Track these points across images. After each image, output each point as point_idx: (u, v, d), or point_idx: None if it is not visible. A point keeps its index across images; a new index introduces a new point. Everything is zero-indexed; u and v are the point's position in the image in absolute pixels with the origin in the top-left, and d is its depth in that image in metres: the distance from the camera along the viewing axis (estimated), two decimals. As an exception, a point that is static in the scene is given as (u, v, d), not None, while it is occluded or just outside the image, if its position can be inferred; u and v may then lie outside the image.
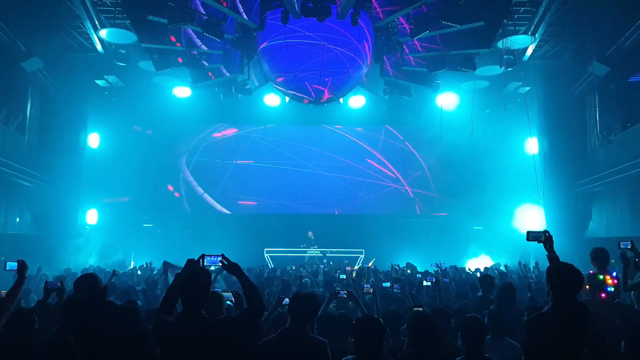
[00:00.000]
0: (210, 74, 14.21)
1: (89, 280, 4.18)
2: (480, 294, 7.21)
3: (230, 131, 21.35)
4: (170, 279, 7.35)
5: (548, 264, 4.38)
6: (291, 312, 4.17)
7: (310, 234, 19.08)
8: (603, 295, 6.12)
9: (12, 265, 4.81)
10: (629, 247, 6.42)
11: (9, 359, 4.22)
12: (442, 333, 4.27)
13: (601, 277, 6.23)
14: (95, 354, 3.89)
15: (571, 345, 3.82)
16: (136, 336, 3.96)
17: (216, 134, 21.32)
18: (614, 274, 6.49)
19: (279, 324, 4.58)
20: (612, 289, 6.16)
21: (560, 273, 3.98)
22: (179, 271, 4.02)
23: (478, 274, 11.78)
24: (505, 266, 13.43)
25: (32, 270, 9.35)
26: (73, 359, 3.99)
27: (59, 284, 5.10)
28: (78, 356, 3.98)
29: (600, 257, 6.52)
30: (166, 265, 7.80)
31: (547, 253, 4.63)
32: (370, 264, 12.03)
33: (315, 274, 11.99)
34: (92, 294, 4.07)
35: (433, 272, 11.78)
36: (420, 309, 5.35)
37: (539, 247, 4.75)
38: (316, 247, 18.49)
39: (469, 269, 13.86)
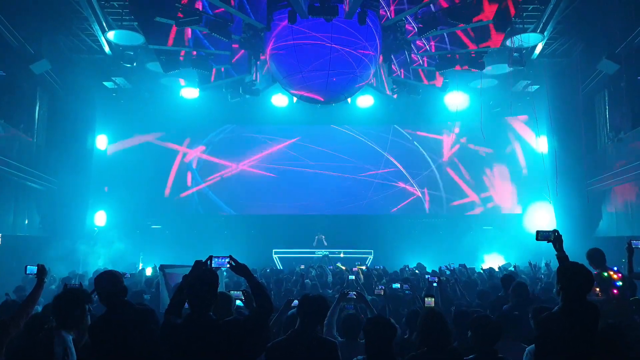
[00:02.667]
0: (214, 70, 14.20)
1: (111, 277, 4.19)
2: (501, 293, 7.26)
3: (238, 132, 21.34)
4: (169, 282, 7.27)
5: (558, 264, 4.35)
6: (300, 314, 4.18)
7: (322, 237, 19.04)
8: (615, 291, 6.15)
9: (32, 269, 4.88)
10: None
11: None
12: (452, 332, 4.25)
13: (605, 274, 6.26)
14: (110, 352, 3.86)
15: (581, 345, 3.79)
16: (152, 336, 3.93)
17: (224, 135, 21.32)
18: (616, 268, 6.56)
19: (289, 325, 4.57)
20: (621, 283, 6.18)
21: (570, 273, 3.96)
22: (179, 271, 4.01)
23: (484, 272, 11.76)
24: (515, 266, 13.34)
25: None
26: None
27: (79, 286, 5.12)
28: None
29: (595, 257, 6.59)
30: (162, 268, 7.63)
31: (556, 253, 4.60)
32: (363, 267, 11.95)
33: (320, 276, 11.97)
34: (113, 291, 4.08)
35: (440, 272, 11.72)
36: (432, 299, 5.38)
37: (549, 247, 4.72)
38: (325, 244, 18.49)
39: (482, 269, 13.78)
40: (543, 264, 13.01)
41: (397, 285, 7.73)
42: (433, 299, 5.55)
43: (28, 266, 4.96)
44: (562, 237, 4.65)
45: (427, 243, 18.75)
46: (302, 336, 4.06)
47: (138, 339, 3.83)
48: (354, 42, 11.15)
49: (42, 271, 4.82)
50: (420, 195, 21.07)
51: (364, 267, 12.12)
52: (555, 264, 11.59)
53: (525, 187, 18.40)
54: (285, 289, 9.25)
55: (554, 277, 4.52)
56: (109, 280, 4.16)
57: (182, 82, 16.67)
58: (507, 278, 7.35)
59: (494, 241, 18.46)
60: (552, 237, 4.66)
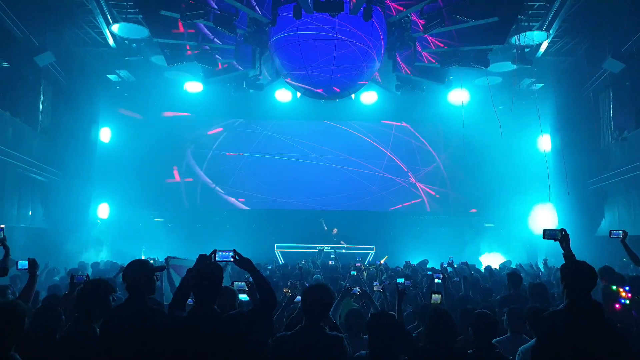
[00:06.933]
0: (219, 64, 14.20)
1: (136, 267, 4.06)
2: (511, 291, 7.22)
3: (242, 126, 21.33)
4: (173, 275, 7.18)
5: (550, 263, 4.39)
6: (305, 309, 4.05)
7: (335, 230, 19.01)
8: (617, 306, 5.93)
9: (23, 264, 4.74)
10: (620, 236, 6.61)
11: (36, 354, 4.13)
12: (458, 329, 4.30)
13: (614, 287, 6.19)
14: (116, 342, 3.83)
15: (586, 343, 3.79)
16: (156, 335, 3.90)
17: (227, 129, 21.32)
18: (627, 288, 6.33)
19: (297, 321, 4.52)
20: (627, 302, 5.94)
21: (575, 271, 3.96)
22: (186, 264, 3.99)
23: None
24: (519, 265, 13.34)
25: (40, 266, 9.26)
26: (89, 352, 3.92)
27: (85, 278, 5.03)
28: (95, 350, 3.93)
29: (607, 274, 6.66)
30: (168, 260, 7.52)
31: (563, 252, 4.59)
32: (382, 262, 11.96)
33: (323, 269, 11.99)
34: (136, 280, 3.98)
35: (442, 269, 11.73)
36: (438, 295, 5.40)
37: (549, 244, 4.71)
38: (343, 242, 18.44)
39: (482, 269, 13.79)
40: (540, 262, 13.00)
41: (401, 280, 7.74)
42: (440, 296, 5.55)
43: (19, 262, 4.83)
44: (569, 236, 4.66)
45: (428, 240, 18.71)
46: (308, 331, 3.93)
47: (146, 334, 3.77)
48: (358, 38, 11.15)
49: (33, 265, 4.71)
50: (422, 192, 21.07)
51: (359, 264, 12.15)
52: (551, 263, 11.59)
53: (528, 185, 18.34)
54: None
55: (554, 275, 4.54)
56: (134, 270, 4.03)
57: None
58: (514, 275, 7.35)
59: (496, 238, 18.43)
60: (559, 236, 4.66)
